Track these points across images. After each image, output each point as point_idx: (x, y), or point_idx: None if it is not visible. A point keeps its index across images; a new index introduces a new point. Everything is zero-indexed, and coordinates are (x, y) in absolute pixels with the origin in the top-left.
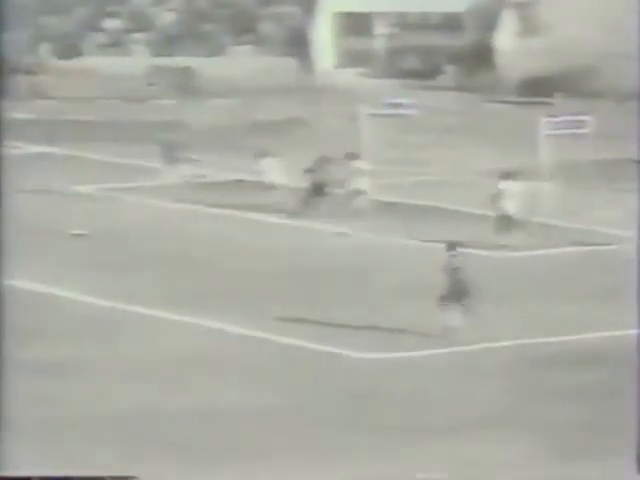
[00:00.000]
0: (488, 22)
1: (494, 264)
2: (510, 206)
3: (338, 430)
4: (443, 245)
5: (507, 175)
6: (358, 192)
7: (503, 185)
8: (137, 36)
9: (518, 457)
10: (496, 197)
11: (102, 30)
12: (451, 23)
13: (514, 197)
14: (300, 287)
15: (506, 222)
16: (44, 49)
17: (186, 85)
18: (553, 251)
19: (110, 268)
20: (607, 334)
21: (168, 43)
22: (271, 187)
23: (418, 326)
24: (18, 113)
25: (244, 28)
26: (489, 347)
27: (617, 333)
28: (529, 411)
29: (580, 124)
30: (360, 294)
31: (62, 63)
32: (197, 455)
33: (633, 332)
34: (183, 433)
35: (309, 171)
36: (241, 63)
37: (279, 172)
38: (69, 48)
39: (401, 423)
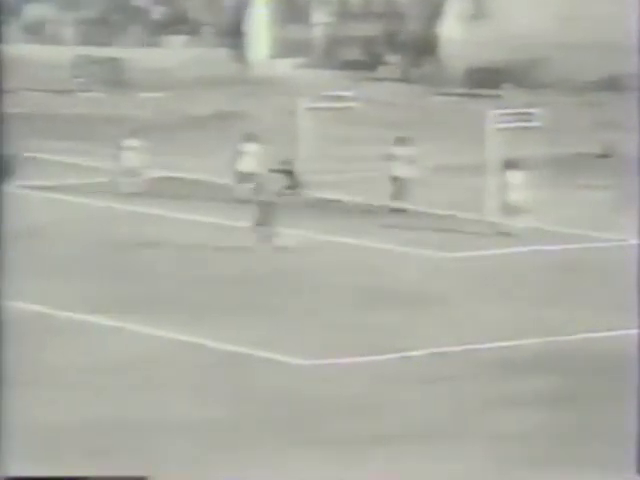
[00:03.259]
0: (433, 10)
1: (443, 265)
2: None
3: (276, 440)
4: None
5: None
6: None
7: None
8: (65, 22)
9: (466, 467)
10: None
11: (26, 15)
12: (394, 11)
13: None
14: (237, 292)
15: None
16: None
17: (115, 77)
18: (504, 251)
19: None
20: (561, 338)
21: (95, 30)
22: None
23: (359, 330)
24: None
25: (175, 17)
26: (436, 352)
27: (571, 337)
28: (479, 419)
29: (531, 117)
30: (298, 297)
31: None
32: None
33: (588, 335)
34: (109, 443)
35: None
36: (174, 54)
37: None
38: None
39: (343, 432)
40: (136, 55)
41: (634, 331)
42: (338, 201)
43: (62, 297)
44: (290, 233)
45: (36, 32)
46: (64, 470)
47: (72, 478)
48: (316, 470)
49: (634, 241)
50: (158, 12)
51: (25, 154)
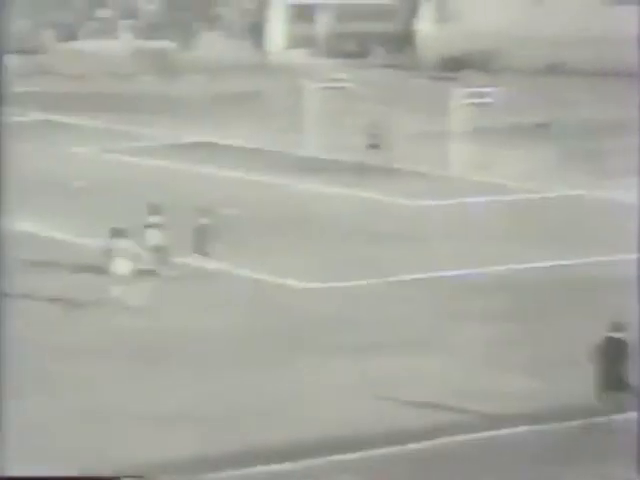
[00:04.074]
0: (411, 11)
1: (419, 211)
2: None
3: (284, 348)
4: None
5: None
6: None
7: None
8: (124, 23)
9: (440, 370)
10: None
11: (95, 18)
12: (381, 12)
13: None
14: (253, 229)
15: None
16: (47, 34)
17: (164, 64)
18: (466, 200)
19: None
20: (512, 267)
21: (150, 29)
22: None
23: (350, 261)
24: (25, 87)
25: (211, 17)
26: (415, 278)
27: (519, 266)
28: (444, 331)
29: (487, 95)
30: (302, 235)
31: (62, 45)
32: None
33: (532, 265)
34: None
35: None
36: (210, 46)
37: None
38: (68, 33)
39: (336, 342)
40: (181, 47)
41: (568, 261)
42: (336, 161)
43: None
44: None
45: (103, 30)
46: None
47: (71, 478)
48: (312, 374)
49: (566, 192)
50: (196, 12)
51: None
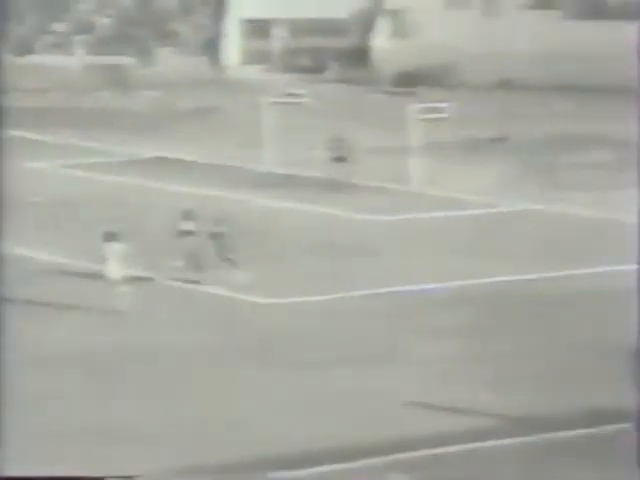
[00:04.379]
0: (366, 26)
1: (379, 226)
2: None
3: (247, 362)
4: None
5: None
6: None
7: None
8: (80, 38)
9: (404, 385)
10: None
11: (50, 32)
12: (336, 28)
13: None
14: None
15: None
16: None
17: (120, 80)
18: (425, 215)
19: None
20: (472, 281)
21: (105, 44)
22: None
23: (313, 275)
24: None
25: (167, 33)
26: (376, 293)
27: (479, 281)
28: (408, 346)
29: (442, 110)
30: (261, 250)
31: (17, 60)
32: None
33: (493, 280)
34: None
35: None
36: (165, 62)
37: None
38: (24, 47)
39: (297, 358)
40: (136, 62)
41: (531, 276)
42: (294, 176)
43: None
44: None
45: (59, 45)
46: None
47: (69, 478)
48: (275, 388)
49: (524, 206)
50: (151, 28)
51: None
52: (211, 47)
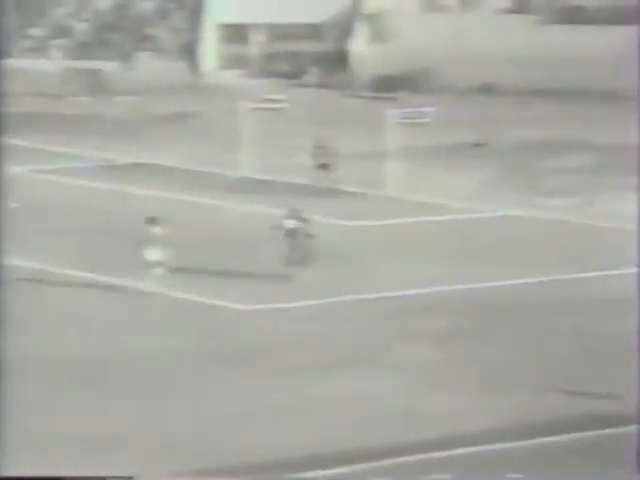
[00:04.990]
0: (344, 31)
1: (359, 232)
2: None
3: (227, 369)
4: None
5: None
6: None
7: None
8: (57, 42)
9: (385, 391)
10: None
11: (27, 37)
12: (313, 32)
13: None
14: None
15: None
16: None
17: (97, 84)
18: (406, 220)
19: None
20: (455, 287)
21: (82, 49)
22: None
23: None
24: None
25: (144, 37)
26: (356, 299)
27: (462, 287)
28: (386, 352)
29: (422, 115)
30: (240, 256)
31: None
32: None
33: (473, 286)
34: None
35: None
36: (142, 66)
37: None
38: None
39: (279, 364)
40: (114, 67)
41: (512, 281)
42: (273, 182)
43: None
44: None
45: (36, 49)
46: None
47: (69, 478)
48: (255, 395)
49: (502, 212)
50: (129, 33)
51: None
52: (188, 52)
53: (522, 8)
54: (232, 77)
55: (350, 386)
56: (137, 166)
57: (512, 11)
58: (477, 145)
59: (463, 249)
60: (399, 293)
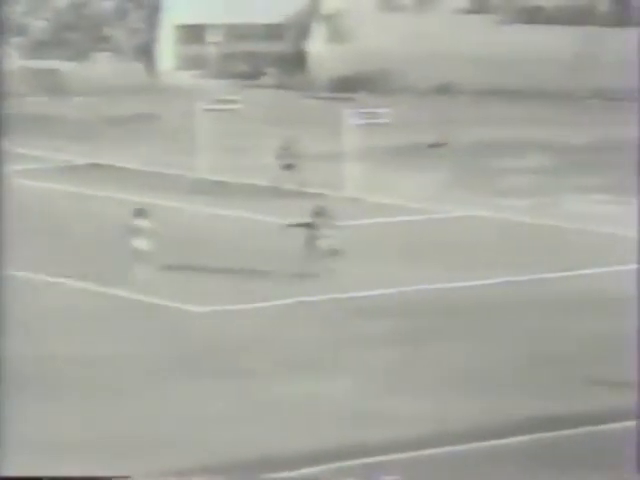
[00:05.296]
0: (302, 31)
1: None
2: None
3: (181, 373)
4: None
5: None
6: None
7: None
8: (13, 41)
9: (340, 393)
10: None
11: None
12: (271, 33)
13: None
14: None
15: None
16: None
17: (54, 84)
18: (364, 221)
19: None
20: (411, 288)
21: (39, 48)
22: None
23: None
24: None
25: (102, 37)
26: (313, 300)
27: (418, 287)
28: (344, 354)
29: (380, 115)
30: (196, 257)
31: None
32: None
33: (430, 287)
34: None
35: None
36: (100, 67)
37: None
38: None
39: (233, 366)
40: (71, 67)
41: (468, 283)
42: (229, 183)
43: None
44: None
45: None
46: None
47: (64, 478)
48: (208, 398)
49: (459, 213)
50: (87, 32)
51: None
52: (146, 52)
53: (481, 8)
54: (189, 78)
55: (302, 389)
56: (94, 167)
57: (471, 11)
58: (435, 145)
59: (420, 250)
60: (354, 294)
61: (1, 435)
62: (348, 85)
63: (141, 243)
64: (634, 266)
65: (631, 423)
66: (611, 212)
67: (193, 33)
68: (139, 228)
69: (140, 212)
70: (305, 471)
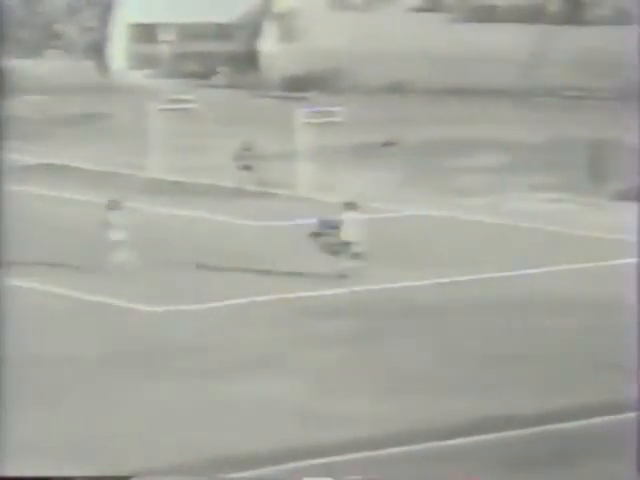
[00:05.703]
0: (254, 30)
1: (267, 233)
2: None
3: (127, 373)
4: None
5: None
6: None
7: None
8: None
9: (288, 393)
10: None
11: None
12: (223, 32)
13: None
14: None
15: None
16: None
17: (4, 83)
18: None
19: None
20: (361, 288)
21: None
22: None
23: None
24: None
25: (53, 35)
26: (262, 300)
27: (368, 287)
28: (293, 354)
29: (332, 114)
30: (147, 257)
31: None
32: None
33: (380, 286)
34: None
35: None
36: (51, 65)
37: None
38: None
39: (182, 367)
40: (21, 65)
41: (419, 282)
42: (182, 182)
43: None
44: (144, 208)
45: None
46: None
47: (64, 478)
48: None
49: (411, 212)
50: (38, 30)
51: None
52: (97, 51)
53: (434, 6)
54: (142, 77)
55: (252, 389)
56: (46, 167)
57: (424, 9)
58: (387, 144)
59: (372, 249)
60: (305, 294)
61: (1, 434)
62: (300, 84)
63: (117, 234)
64: (585, 265)
65: (584, 422)
66: (565, 211)
67: (146, 32)
68: (113, 220)
69: (114, 204)
70: (259, 471)
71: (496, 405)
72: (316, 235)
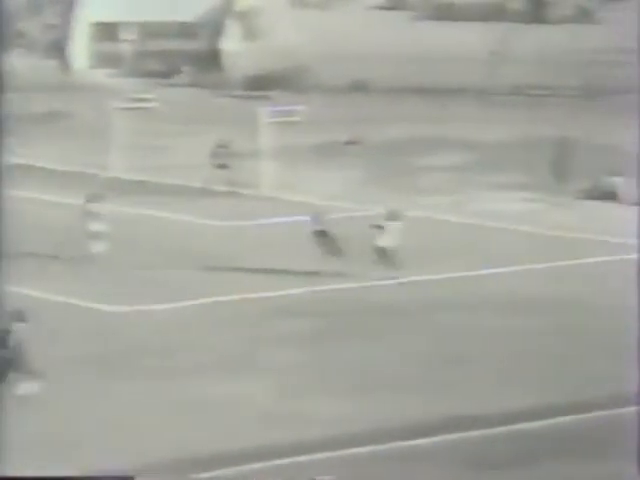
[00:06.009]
0: (216, 29)
1: (231, 232)
2: None
3: (91, 373)
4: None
5: None
6: None
7: None
8: None
9: (254, 394)
10: None
11: None
12: (185, 31)
13: None
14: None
15: None
16: None
17: None
18: (277, 220)
19: None
20: (324, 288)
21: None
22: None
23: (161, 283)
24: None
25: (14, 33)
26: (227, 300)
27: (331, 287)
28: (257, 354)
29: (294, 113)
30: (110, 257)
31: None
32: None
33: (343, 286)
34: None
35: None
36: (12, 63)
37: None
38: None
39: (144, 367)
40: None
41: (382, 282)
42: (143, 182)
43: None
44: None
45: None
46: None
47: (64, 478)
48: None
49: (376, 211)
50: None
51: None
52: (60, 49)
53: (396, 4)
54: (104, 76)
55: (217, 389)
56: (7, 167)
57: (386, 7)
58: (349, 143)
59: (347, 250)
60: (269, 294)
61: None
62: (263, 83)
63: (97, 226)
64: (548, 265)
65: (547, 422)
66: (530, 210)
67: (107, 31)
68: (94, 212)
69: (94, 197)
70: (226, 471)
71: (460, 405)
72: (320, 234)
